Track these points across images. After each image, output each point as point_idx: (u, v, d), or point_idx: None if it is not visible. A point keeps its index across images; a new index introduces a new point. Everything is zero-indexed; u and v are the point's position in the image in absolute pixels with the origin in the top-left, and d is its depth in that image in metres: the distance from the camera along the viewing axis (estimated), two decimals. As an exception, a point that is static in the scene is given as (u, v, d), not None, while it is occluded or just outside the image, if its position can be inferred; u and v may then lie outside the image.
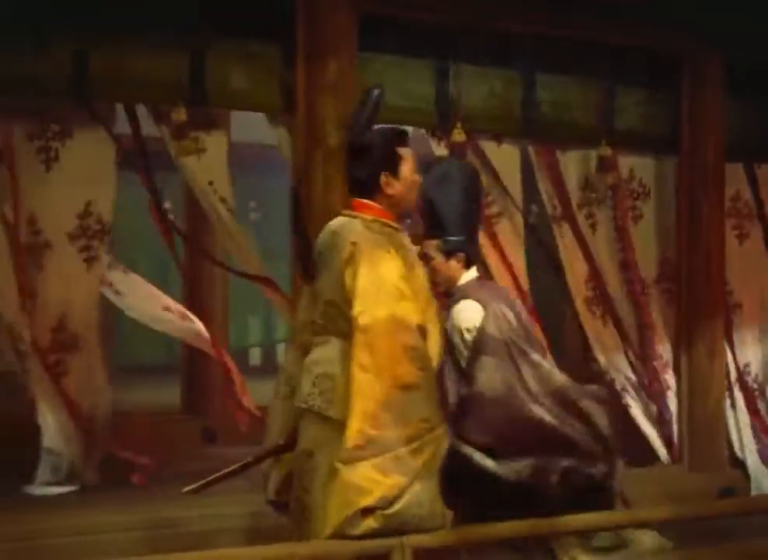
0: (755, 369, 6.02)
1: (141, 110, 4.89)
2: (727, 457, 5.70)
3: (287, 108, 4.77)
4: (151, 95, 4.61)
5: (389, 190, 3.28)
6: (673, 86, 5.57)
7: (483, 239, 5.17)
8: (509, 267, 5.33)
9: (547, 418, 3.30)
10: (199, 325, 5.55)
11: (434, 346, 3.17)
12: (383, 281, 3.05)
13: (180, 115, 4.56)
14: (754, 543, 4.20)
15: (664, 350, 5.88)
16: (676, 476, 5.52)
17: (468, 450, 3.16)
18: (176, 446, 5.77)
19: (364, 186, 3.29)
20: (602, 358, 5.78)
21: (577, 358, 6.08)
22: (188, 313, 5.61)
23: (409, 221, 3.69)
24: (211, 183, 4.93)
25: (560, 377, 3.47)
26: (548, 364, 3.53)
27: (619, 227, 5.79)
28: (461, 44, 5.06)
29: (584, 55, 5.33)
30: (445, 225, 3.57)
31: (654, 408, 5.79)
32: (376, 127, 3.37)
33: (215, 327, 5.99)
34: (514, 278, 5.33)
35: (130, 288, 5.41)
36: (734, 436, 5.77)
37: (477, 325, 3.42)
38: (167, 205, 8.84)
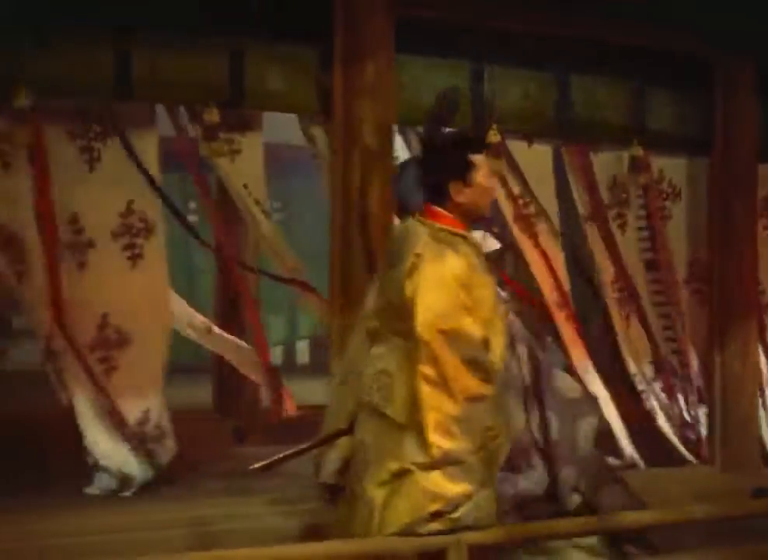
0: (788, 369, 6.03)
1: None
2: (760, 457, 5.71)
3: (323, 110, 4.81)
4: (190, 96, 4.65)
5: (459, 198, 3.25)
6: (706, 87, 5.59)
7: (523, 239, 5.22)
8: (550, 268, 5.36)
9: None
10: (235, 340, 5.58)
11: (497, 356, 3.18)
12: (445, 295, 3.06)
13: (213, 116, 4.60)
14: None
15: (693, 350, 5.90)
16: (708, 476, 5.53)
17: None
18: (208, 445, 5.80)
19: (434, 192, 3.27)
20: (629, 359, 5.80)
21: (607, 359, 6.10)
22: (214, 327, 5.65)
23: None
24: (245, 185, 4.96)
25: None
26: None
27: (650, 227, 5.82)
28: (495, 46, 5.09)
29: (617, 57, 5.34)
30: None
31: (682, 409, 5.81)
32: (451, 131, 3.36)
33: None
34: (555, 279, 5.36)
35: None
36: (766, 436, 5.79)
37: None
38: (191, 206, 8.94)
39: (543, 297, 5.44)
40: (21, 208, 4.58)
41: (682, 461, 5.72)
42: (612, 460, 5.24)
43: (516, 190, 5.40)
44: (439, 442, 2.95)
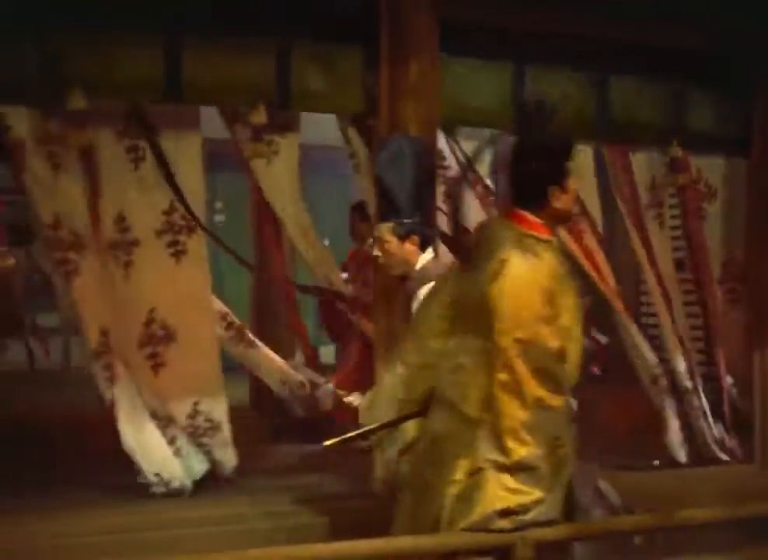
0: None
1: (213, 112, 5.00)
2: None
3: (368, 111, 4.86)
4: (237, 97, 4.69)
5: (557, 204, 3.26)
6: (744, 88, 5.61)
7: (568, 238, 5.25)
8: (595, 265, 5.40)
9: None
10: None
11: (572, 364, 3.20)
12: (525, 304, 3.07)
13: (261, 117, 4.64)
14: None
15: (726, 349, 5.93)
16: (749, 475, 5.55)
17: None
18: (246, 443, 5.84)
19: (530, 198, 3.27)
20: (664, 358, 5.84)
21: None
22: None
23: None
24: (282, 186, 5.02)
25: None
26: None
27: (685, 227, 5.86)
28: (536, 47, 5.12)
29: (657, 58, 5.36)
30: (398, 206, 3.55)
31: (717, 408, 5.84)
32: (548, 138, 3.36)
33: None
34: (602, 278, 5.40)
35: None
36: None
37: None
38: (218, 205, 8.97)
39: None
40: (71, 208, 4.64)
41: (714, 460, 5.74)
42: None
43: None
44: (514, 447, 3.00)
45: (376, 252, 3.70)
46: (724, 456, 5.73)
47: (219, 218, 8.85)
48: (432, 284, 3.44)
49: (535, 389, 3.01)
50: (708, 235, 5.93)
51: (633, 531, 3.19)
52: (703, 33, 5.35)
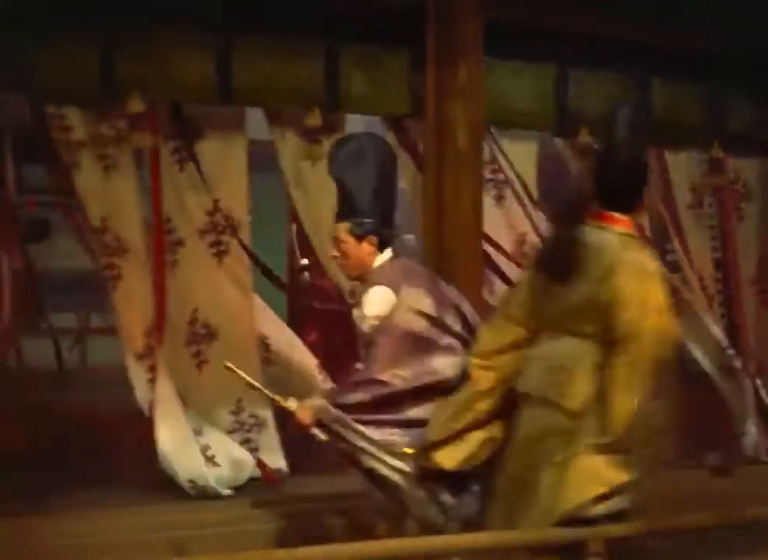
0: None
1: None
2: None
3: (415, 112, 4.90)
4: (287, 99, 4.73)
5: (641, 207, 3.44)
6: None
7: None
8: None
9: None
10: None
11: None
12: (648, 294, 3.17)
13: (315, 119, 4.69)
14: None
15: (756, 349, 5.97)
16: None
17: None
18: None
19: (625, 200, 3.34)
20: (697, 356, 5.87)
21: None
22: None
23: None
24: (328, 187, 5.04)
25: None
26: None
27: (721, 228, 5.90)
28: (580, 50, 5.16)
29: (699, 61, 5.41)
30: (357, 206, 3.47)
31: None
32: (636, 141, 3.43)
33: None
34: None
35: None
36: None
37: (386, 313, 3.39)
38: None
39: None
40: (124, 210, 4.68)
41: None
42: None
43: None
44: (618, 430, 3.09)
45: (333, 253, 3.63)
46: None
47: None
48: (383, 288, 3.43)
49: (656, 376, 3.11)
50: (743, 235, 5.97)
51: (703, 528, 3.24)
52: (743, 37, 5.38)
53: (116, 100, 4.38)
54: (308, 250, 5.57)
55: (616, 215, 3.34)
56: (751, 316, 6.03)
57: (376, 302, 3.42)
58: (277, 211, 6.19)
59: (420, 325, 3.41)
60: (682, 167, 5.71)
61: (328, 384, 4.99)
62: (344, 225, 3.50)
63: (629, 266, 3.20)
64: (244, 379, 3.68)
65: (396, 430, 3.42)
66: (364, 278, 3.51)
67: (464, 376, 3.45)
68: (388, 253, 3.53)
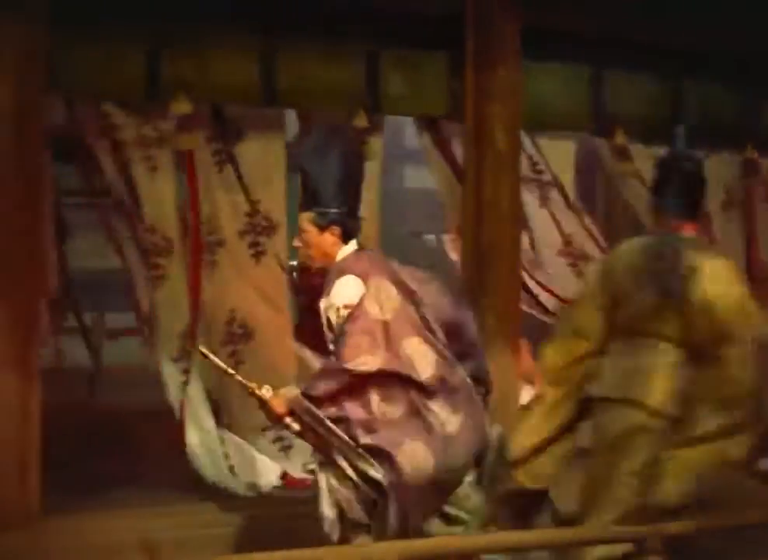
0: None
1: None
2: None
3: (453, 114, 4.94)
4: (330, 101, 4.77)
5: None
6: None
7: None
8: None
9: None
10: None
11: None
12: (735, 289, 3.37)
13: (362, 121, 4.74)
14: None
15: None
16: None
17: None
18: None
19: (690, 208, 3.56)
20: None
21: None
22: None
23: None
24: (375, 186, 5.10)
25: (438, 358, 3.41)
26: (429, 346, 3.41)
27: (751, 228, 5.94)
28: (615, 53, 5.20)
29: (730, 63, 5.45)
30: (320, 196, 3.43)
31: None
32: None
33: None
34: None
35: None
36: None
37: (355, 302, 3.33)
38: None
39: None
40: (166, 210, 4.72)
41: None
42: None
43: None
44: (722, 423, 3.28)
45: (296, 243, 3.57)
46: None
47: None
48: (351, 277, 3.39)
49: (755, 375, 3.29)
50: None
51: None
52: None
53: (160, 101, 4.42)
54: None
55: (684, 221, 3.51)
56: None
57: (345, 291, 3.37)
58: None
59: (390, 314, 3.36)
60: (716, 169, 5.73)
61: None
62: (307, 215, 3.46)
63: (709, 267, 3.36)
64: (218, 365, 3.58)
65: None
66: (329, 269, 3.46)
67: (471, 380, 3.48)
68: (353, 244, 3.49)
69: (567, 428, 3.53)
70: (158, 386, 4.87)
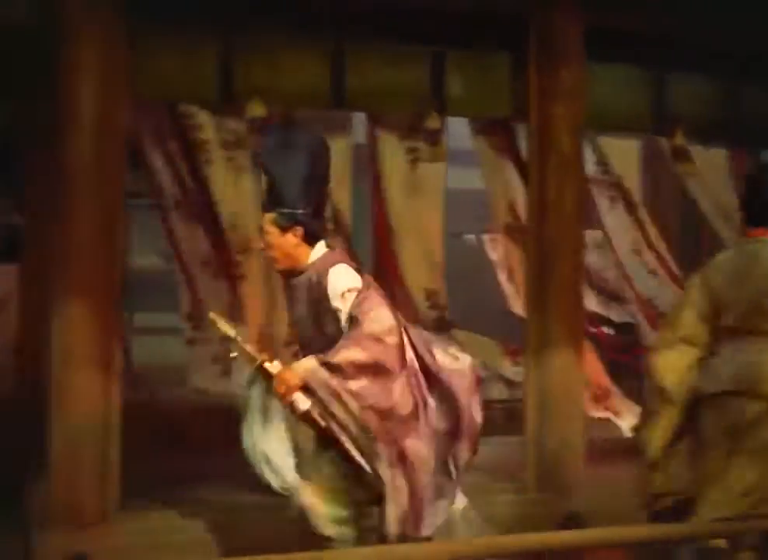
0: None
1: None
2: None
3: (517, 115, 4.99)
4: (397, 104, 4.84)
5: None
6: None
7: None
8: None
9: None
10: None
11: None
12: None
13: (435, 122, 4.78)
14: None
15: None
16: None
17: None
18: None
19: None
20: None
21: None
22: None
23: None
24: (441, 186, 5.16)
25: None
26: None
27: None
28: (676, 54, 5.23)
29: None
30: (283, 196, 3.31)
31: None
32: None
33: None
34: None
35: None
36: None
37: (359, 285, 3.25)
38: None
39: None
40: (246, 209, 4.79)
41: None
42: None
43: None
44: None
45: (260, 244, 3.49)
46: None
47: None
48: (341, 265, 3.32)
49: None
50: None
51: None
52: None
53: (234, 104, 4.49)
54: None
55: None
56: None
57: (343, 277, 3.29)
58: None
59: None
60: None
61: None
62: (269, 216, 3.35)
63: None
64: (227, 333, 3.43)
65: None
66: (298, 271, 3.36)
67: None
68: (322, 245, 3.38)
69: (686, 429, 3.72)
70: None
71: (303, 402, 3.19)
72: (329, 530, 3.33)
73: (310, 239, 3.33)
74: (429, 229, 5.38)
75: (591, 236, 5.50)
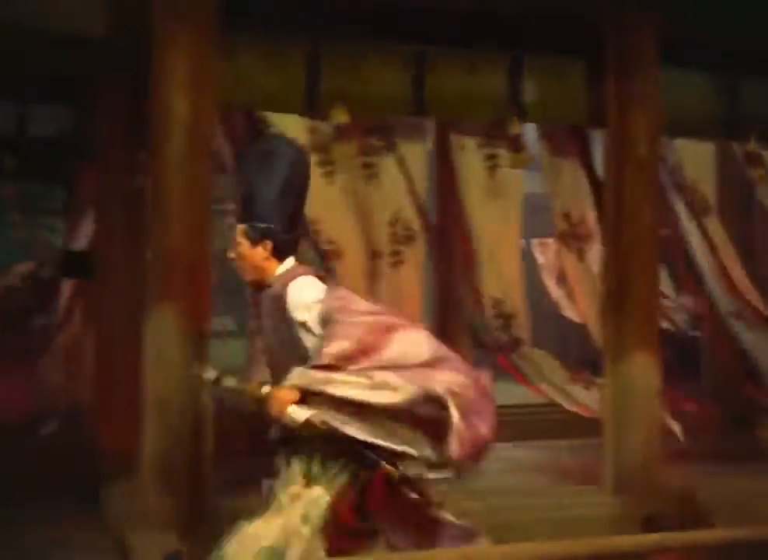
0: None
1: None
2: None
3: (595, 122, 5.03)
4: (473, 110, 4.91)
5: None
6: None
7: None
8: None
9: None
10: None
11: None
12: None
13: (516, 127, 4.84)
14: None
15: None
16: None
17: None
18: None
19: None
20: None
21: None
22: None
23: None
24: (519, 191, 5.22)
25: None
26: None
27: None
28: (749, 60, 5.25)
29: None
30: (256, 210, 3.30)
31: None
32: None
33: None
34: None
35: None
36: None
37: (322, 296, 3.22)
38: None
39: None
40: (338, 214, 4.87)
41: None
42: None
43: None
44: None
45: (230, 254, 3.43)
46: None
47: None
48: (305, 276, 3.29)
49: None
50: None
51: None
52: None
53: (318, 111, 4.57)
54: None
55: None
56: None
57: (306, 290, 3.26)
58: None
59: None
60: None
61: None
62: (241, 227, 3.34)
63: None
64: (205, 377, 3.36)
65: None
66: (266, 284, 3.34)
67: None
68: (291, 261, 3.35)
69: None
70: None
71: (300, 413, 3.16)
72: None
73: (279, 255, 3.33)
74: (505, 232, 5.43)
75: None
